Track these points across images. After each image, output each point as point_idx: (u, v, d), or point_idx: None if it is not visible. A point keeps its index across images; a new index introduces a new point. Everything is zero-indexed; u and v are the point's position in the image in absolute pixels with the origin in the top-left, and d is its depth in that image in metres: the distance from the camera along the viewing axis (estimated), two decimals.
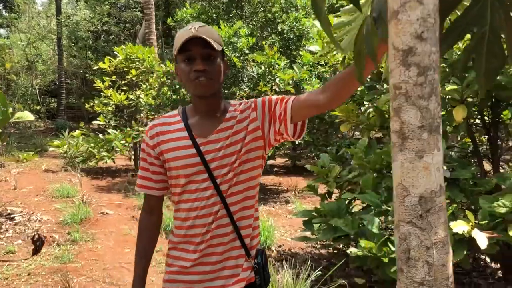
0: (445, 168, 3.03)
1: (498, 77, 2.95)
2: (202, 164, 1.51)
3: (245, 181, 1.56)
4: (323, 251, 4.65)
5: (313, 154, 8.36)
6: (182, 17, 8.16)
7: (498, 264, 3.99)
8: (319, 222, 3.44)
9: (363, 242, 2.84)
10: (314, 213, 3.68)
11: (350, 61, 4.12)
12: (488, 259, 4.18)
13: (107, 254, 4.63)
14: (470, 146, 3.94)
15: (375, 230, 2.96)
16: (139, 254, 1.63)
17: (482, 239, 2.57)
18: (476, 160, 3.76)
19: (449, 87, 2.92)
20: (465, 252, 2.77)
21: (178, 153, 1.53)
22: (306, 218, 3.73)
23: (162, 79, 8.66)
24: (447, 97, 3.19)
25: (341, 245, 3.71)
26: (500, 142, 3.81)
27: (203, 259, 1.54)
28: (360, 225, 3.21)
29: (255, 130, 1.56)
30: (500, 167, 3.80)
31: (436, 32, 0.71)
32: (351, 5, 1.90)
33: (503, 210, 2.64)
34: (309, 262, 3.42)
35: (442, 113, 3.34)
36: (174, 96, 8.10)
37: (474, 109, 3.25)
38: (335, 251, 4.14)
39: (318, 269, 3.43)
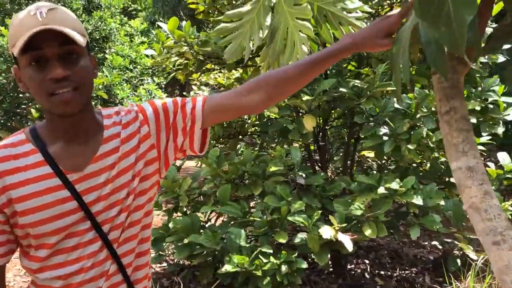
0: (303, 175, 3.14)
1: (341, 89, 3.21)
2: (81, 210, 1.07)
3: (140, 220, 1.17)
4: (158, 270, 4.35)
5: None
6: None
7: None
8: (174, 240, 3.17)
9: (235, 258, 2.72)
10: (161, 231, 3.40)
11: (190, 67, 3.95)
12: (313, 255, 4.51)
13: None
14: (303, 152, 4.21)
15: (243, 243, 2.87)
16: None
17: (347, 242, 2.74)
18: (310, 165, 4.03)
19: (305, 97, 3.04)
20: (328, 256, 2.91)
21: (40, 200, 1.05)
22: (152, 238, 3.42)
23: None
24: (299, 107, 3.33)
25: (192, 262, 3.51)
26: (328, 149, 4.19)
27: None
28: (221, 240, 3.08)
29: (149, 150, 1.17)
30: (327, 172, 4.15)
31: None
32: (235, 10, 1.78)
33: (359, 212, 2.86)
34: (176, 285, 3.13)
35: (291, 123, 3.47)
36: None
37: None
38: (181, 269, 3.90)
39: None
